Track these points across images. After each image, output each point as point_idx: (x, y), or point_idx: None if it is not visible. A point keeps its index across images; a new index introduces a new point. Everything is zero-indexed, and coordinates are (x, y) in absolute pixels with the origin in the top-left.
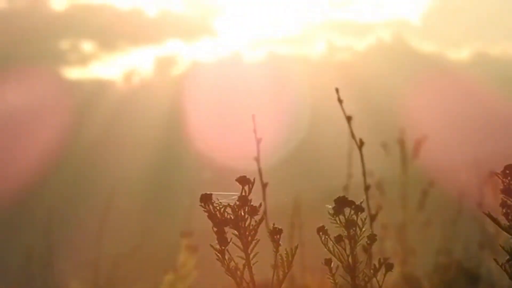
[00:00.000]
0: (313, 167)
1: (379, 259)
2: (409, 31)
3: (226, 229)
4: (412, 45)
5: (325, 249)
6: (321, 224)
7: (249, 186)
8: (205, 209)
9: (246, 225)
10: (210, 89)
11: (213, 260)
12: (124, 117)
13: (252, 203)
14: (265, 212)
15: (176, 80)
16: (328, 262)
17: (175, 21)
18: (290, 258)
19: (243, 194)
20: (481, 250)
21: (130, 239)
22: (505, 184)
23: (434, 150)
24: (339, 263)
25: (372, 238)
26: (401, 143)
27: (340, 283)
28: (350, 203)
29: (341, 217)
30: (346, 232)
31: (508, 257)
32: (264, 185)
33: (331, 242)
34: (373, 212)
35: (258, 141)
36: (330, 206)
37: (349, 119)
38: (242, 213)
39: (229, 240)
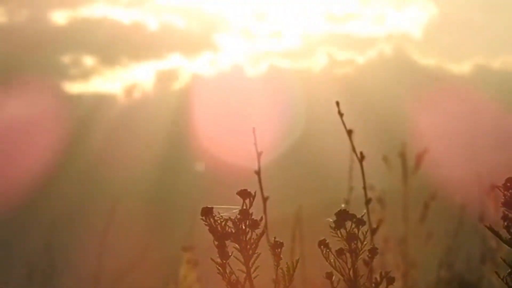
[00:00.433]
0: (314, 180)
1: (381, 273)
2: (410, 44)
3: (227, 242)
4: (413, 58)
5: (327, 263)
6: (322, 238)
7: (250, 200)
8: (206, 223)
9: (247, 238)
10: (211, 103)
11: (214, 274)
12: (126, 131)
13: (253, 217)
14: (266, 226)
15: (177, 94)
16: (329, 276)
17: (176, 35)
18: (291, 272)
19: (244, 207)
20: (483, 263)
21: (132, 253)
22: (506, 197)
23: (436, 163)
24: (340, 276)
25: (373, 251)
26: (403, 156)
27: None
28: (351, 217)
29: (342, 230)
30: (347, 245)
31: (509, 270)
32: (265, 199)
33: (333, 255)
34: (374, 226)
35: (259, 155)
36: (331, 220)
37: (349, 132)
38: (243, 227)
39: (230, 254)
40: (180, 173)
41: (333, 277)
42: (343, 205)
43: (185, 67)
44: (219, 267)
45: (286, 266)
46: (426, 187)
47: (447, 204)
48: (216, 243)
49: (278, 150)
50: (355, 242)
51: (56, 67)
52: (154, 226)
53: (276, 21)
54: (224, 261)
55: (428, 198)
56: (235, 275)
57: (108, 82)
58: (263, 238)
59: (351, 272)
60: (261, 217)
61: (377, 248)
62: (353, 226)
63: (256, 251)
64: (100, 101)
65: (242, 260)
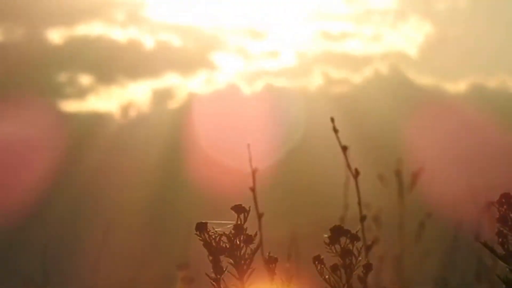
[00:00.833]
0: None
1: None
2: (406, 63)
3: (222, 257)
4: (409, 77)
5: (321, 279)
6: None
7: (244, 215)
8: (201, 238)
9: (242, 253)
10: (207, 121)
11: None
12: (122, 149)
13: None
14: (261, 241)
15: (173, 113)
16: None
17: (173, 54)
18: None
19: (239, 222)
20: (478, 281)
21: (126, 271)
22: (501, 212)
23: (431, 181)
24: None
25: (368, 267)
26: (398, 174)
27: None
28: (346, 232)
29: (337, 246)
30: (342, 261)
31: (504, 286)
32: (260, 215)
33: (327, 271)
34: (369, 242)
35: (254, 171)
36: (326, 235)
37: (344, 149)
38: (238, 242)
39: (224, 269)
40: (177, 191)
41: None
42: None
43: (181, 86)
44: (214, 282)
45: (280, 281)
46: (421, 205)
47: (443, 222)
48: (210, 258)
49: (273, 168)
50: (350, 258)
51: (52, 86)
52: (149, 244)
53: (272, 40)
54: (219, 276)
55: (423, 216)
56: None
57: (104, 101)
58: (258, 253)
59: None
60: (256, 232)
61: (371, 264)
62: (348, 241)
63: (251, 266)
64: (96, 120)
65: (237, 275)
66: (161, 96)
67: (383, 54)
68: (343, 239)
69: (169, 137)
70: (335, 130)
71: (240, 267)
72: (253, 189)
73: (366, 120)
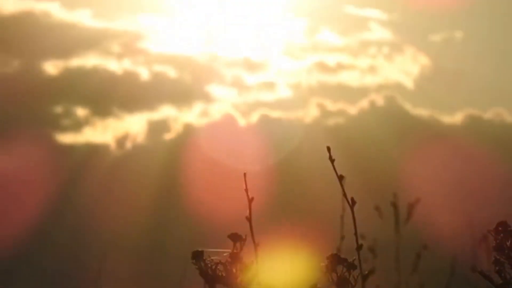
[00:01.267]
0: (304, 229)
1: None
2: (402, 95)
3: (218, 286)
4: (405, 109)
5: None
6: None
7: (240, 243)
8: (197, 266)
9: (238, 282)
10: (203, 152)
11: None
12: (118, 181)
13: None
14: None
15: (169, 145)
16: None
17: (168, 85)
18: None
19: (235, 251)
20: None
21: None
22: (497, 241)
23: (428, 212)
24: None
25: None
26: (395, 205)
27: None
28: (343, 261)
29: (334, 274)
30: None
31: None
32: (256, 245)
33: None
34: (365, 272)
35: (250, 201)
36: (323, 264)
37: (340, 178)
38: (234, 270)
39: None
40: (173, 223)
41: None
42: None
43: (177, 117)
44: None
45: None
46: (418, 236)
47: (439, 254)
48: (206, 286)
49: (269, 199)
50: (347, 286)
51: (47, 118)
52: (146, 276)
53: (268, 71)
54: None
55: (420, 247)
56: None
57: (100, 133)
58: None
59: None
60: (252, 261)
61: None
62: (344, 270)
63: None
64: (92, 152)
65: None
66: (157, 128)
67: (379, 85)
68: (340, 268)
69: (165, 168)
70: (331, 160)
71: None
72: (249, 219)
73: (362, 151)
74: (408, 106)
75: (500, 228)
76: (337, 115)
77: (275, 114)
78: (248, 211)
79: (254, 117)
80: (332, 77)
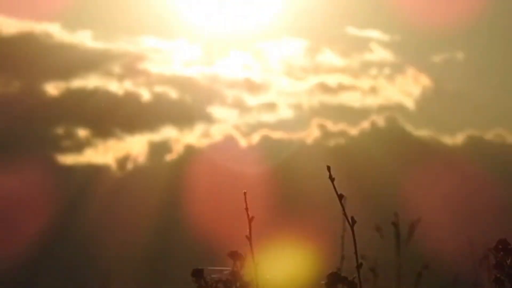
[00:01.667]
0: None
1: None
2: (403, 116)
3: None
4: (406, 129)
5: None
6: None
7: (240, 261)
8: (197, 284)
9: None
10: (204, 173)
11: None
12: (119, 203)
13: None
14: None
15: (170, 166)
16: None
17: (169, 106)
18: None
19: (235, 269)
20: None
21: None
22: (497, 259)
23: (429, 232)
24: None
25: None
26: (396, 225)
27: None
28: (343, 279)
29: None
30: None
31: None
32: (256, 263)
33: None
34: None
35: (250, 220)
36: (324, 282)
37: (340, 197)
38: None
39: None
40: (174, 245)
41: None
42: None
43: (178, 138)
44: None
45: None
46: (419, 256)
47: (440, 273)
48: None
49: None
50: None
51: (48, 139)
52: None
53: (268, 92)
54: None
55: (421, 267)
56: None
57: (101, 154)
58: None
59: None
60: (252, 279)
61: None
62: None
63: None
64: (93, 173)
65: None
66: (158, 149)
67: (380, 106)
68: (340, 286)
69: (166, 189)
70: (331, 179)
71: None
72: (249, 238)
73: (363, 171)
74: (409, 127)
75: (500, 246)
76: (338, 136)
77: (276, 134)
78: (248, 230)
79: (255, 138)
80: (333, 98)
